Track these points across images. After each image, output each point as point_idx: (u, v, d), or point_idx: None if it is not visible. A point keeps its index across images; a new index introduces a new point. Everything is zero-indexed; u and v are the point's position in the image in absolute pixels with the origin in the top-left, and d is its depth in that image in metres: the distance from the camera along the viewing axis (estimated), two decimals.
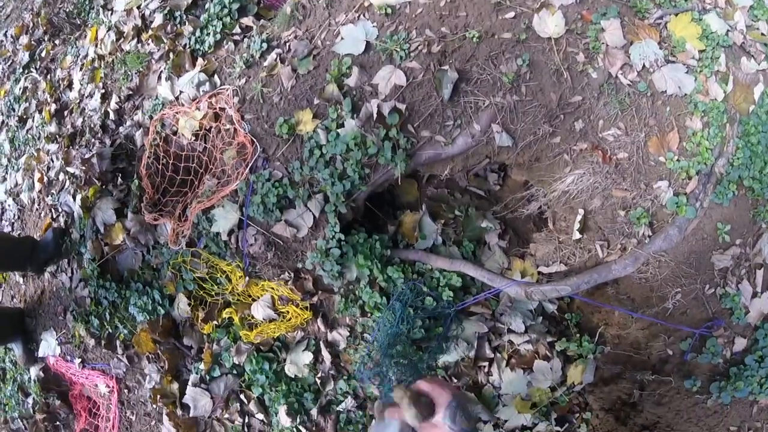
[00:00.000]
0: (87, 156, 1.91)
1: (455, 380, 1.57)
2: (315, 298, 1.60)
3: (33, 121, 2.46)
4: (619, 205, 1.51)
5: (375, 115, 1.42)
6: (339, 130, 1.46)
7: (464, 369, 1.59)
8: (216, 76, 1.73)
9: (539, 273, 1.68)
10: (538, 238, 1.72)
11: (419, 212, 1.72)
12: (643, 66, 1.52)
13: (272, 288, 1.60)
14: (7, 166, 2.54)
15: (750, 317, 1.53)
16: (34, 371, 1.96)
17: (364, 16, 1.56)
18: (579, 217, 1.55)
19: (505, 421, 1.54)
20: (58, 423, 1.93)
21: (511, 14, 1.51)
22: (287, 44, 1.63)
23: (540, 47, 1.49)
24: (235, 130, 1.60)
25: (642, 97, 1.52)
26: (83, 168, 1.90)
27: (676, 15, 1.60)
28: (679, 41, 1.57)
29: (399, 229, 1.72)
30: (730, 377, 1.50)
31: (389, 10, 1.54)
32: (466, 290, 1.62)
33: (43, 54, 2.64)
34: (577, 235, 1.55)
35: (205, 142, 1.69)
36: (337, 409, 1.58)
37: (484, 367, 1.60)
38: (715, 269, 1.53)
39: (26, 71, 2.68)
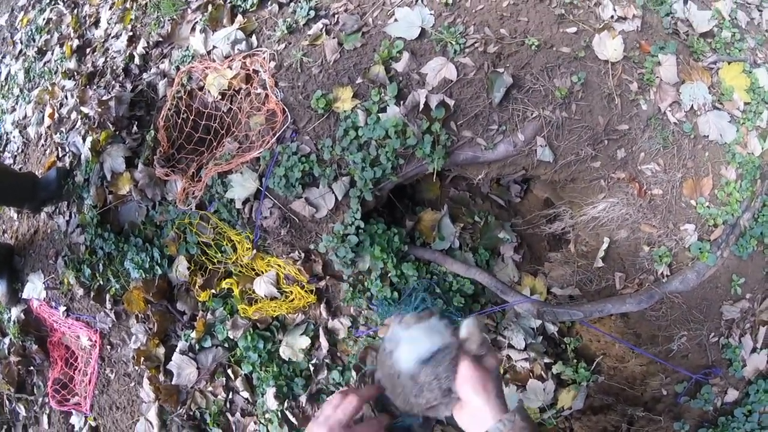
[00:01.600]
0: (105, 98, 1.67)
1: None
2: (322, 283, 1.42)
3: (52, 54, 2.19)
4: (644, 240, 1.38)
5: (422, 106, 1.24)
6: (380, 115, 1.27)
7: None
8: (254, 37, 1.51)
9: (549, 293, 1.54)
10: (554, 258, 1.57)
11: (439, 212, 1.55)
12: (691, 107, 1.40)
13: (279, 265, 1.42)
14: (18, 96, 2.27)
15: (746, 371, 1.43)
16: (15, 312, 1.73)
17: (422, 0, 1.37)
18: (604, 246, 1.41)
19: None
20: (32, 368, 1.71)
21: (573, 29, 1.35)
22: (336, 16, 1.42)
23: (596, 68, 1.33)
24: (267, 95, 1.40)
25: (685, 138, 1.39)
26: (99, 110, 1.66)
27: (729, 63, 1.47)
28: (727, 90, 1.44)
29: (417, 226, 1.55)
30: (717, 426, 1.41)
31: (450, 0, 1.35)
32: (476, 299, 1.47)
33: None
34: (599, 263, 1.41)
35: (232, 104, 1.48)
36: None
37: None
38: (723, 319, 1.42)
39: (53, 2, 2.38)
